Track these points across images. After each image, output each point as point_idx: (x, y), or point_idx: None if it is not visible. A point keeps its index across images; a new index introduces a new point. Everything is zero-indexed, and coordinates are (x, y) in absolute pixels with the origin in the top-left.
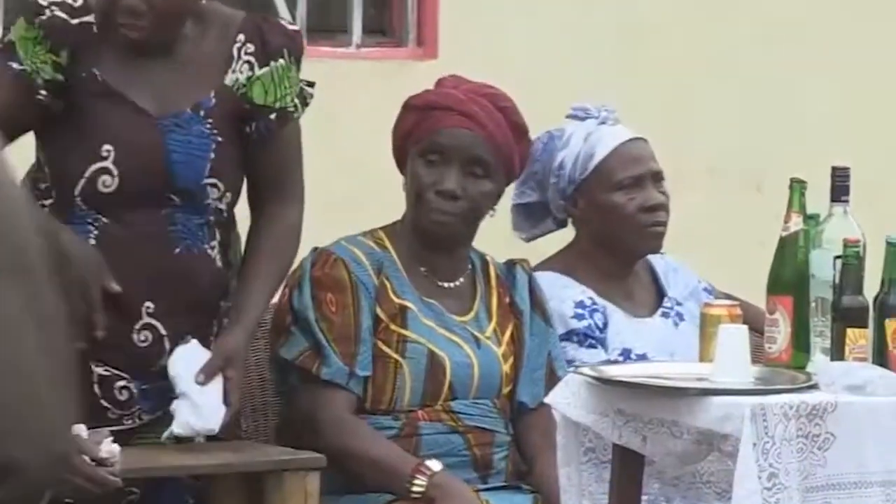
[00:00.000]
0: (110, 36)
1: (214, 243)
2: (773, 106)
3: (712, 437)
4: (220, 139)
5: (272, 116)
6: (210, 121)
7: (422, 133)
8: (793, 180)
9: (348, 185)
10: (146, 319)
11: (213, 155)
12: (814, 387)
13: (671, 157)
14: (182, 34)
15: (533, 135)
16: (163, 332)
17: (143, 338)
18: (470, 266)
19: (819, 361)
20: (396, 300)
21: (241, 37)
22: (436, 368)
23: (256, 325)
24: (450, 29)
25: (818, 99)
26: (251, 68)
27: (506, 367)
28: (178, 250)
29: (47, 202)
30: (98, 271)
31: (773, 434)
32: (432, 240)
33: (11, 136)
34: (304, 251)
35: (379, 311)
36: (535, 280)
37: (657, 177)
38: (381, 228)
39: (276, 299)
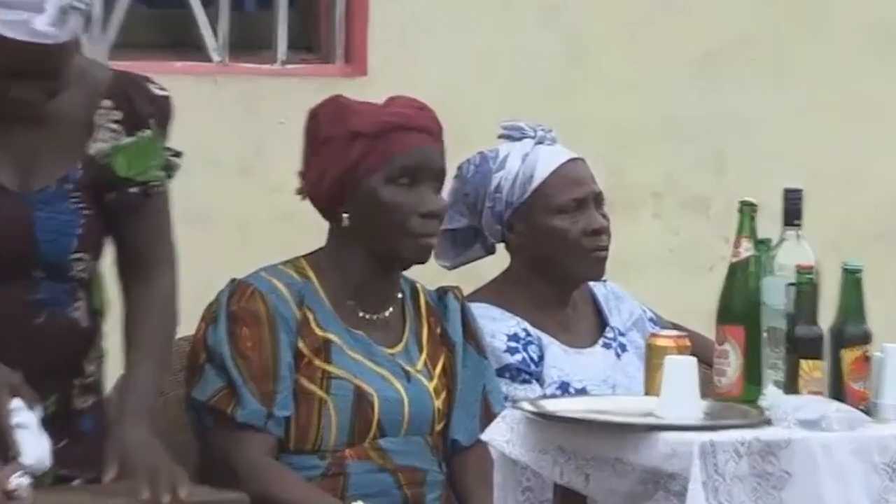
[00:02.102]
0: None
1: (79, 304)
2: (720, 126)
3: (659, 475)
4: (87, 212)
5: (133, 190)
6: (77, 194)
7: (379, 158)
8: (742, 203)
9: (274, 205)
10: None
11: (80, 230)
12: (766, 422)
13: (614, 180)
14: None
15: (464, 156)
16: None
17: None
18: (399, 295)
19: (772, 395)
20: (320, 333)
21: (108, 103)
22: (363, 405)
23: (153, 413)
24: (379, 45)
25: (769, 118)
26: (116, 137)
27: (438, 403)
28: (39, 319)
29: None
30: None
31: (724, 472)
32: (407, 265)
33: None
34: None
35: (301, 345)
36: (469, 309)
37: (599, 199)
38: (304, 257)
39: (189, 333)
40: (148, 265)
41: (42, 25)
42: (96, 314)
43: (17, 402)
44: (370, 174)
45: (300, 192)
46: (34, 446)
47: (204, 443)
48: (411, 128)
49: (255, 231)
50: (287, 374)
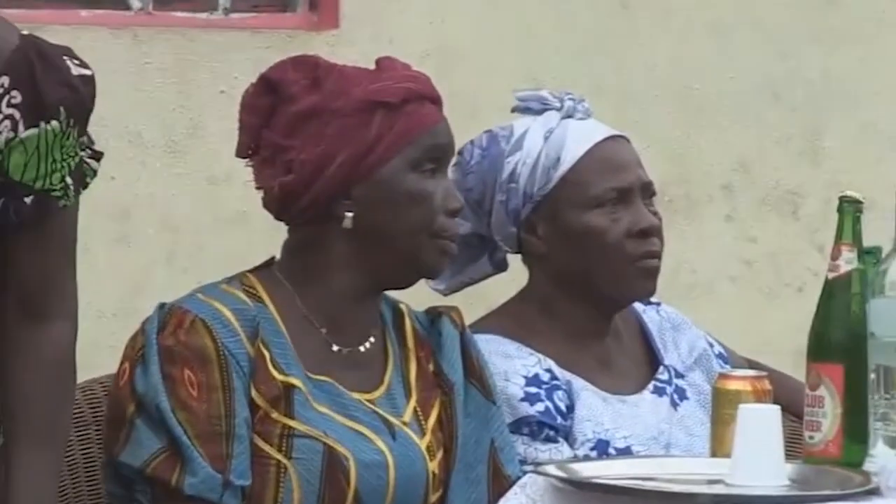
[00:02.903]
0: None
1: None
2: (815, 99)
3: None
4: None
5: (27, 199)
6: None
7: (403, 134)
8: (842, 199)
9: (215, 200)
10: None
11: None
12: (874, 492)
13: (672, 167)
14: None
15: (465, 137)
16: None
17: None
18: (379, 322)
19: (882, 455)
20: (279, 377)
21: (5, 80)
22: (335, 471)
23: None
24: None
25: (877, 90)
26: (14, 127)
27: (433, 466)
28: None
29: None
30: None
31: None
32: (416, 277)
33: None
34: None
35: (254, 393)
36: (470, 337)
37: (648, 190)
38: (252, 273)
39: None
40: (36, 311)
41: None
42: None
43: None
44: (390, 156)
45: (263, 188)
46: None
47: None
48: (430, 99)
49: (189, 238)
50: (245, 432)
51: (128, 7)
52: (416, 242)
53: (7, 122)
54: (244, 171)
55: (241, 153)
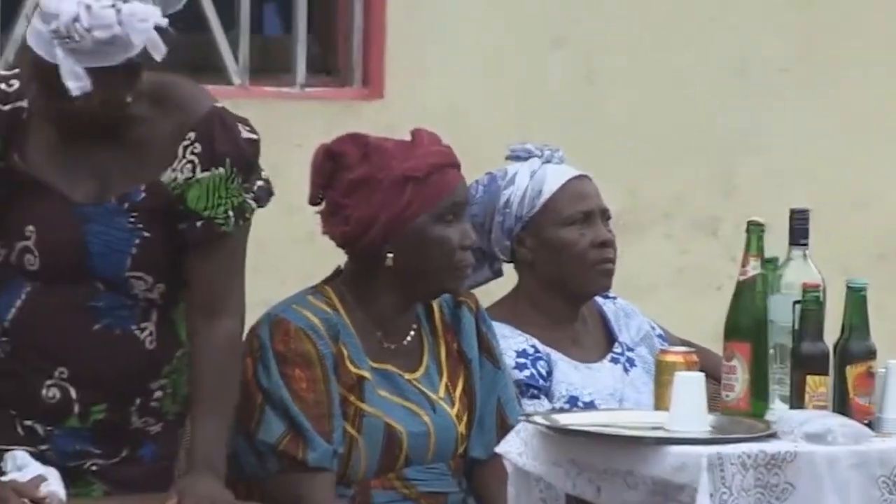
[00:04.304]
0: (45, 119)
1: (147, 325)
2: (729, 147)
3: (668, 487)
4: (145, 234)
5: (198, 224)
6: (135, 214)
7: (428, 199)
8: (750, 223)
9: (292, 227)
10: (57, 380)
11: (135, 250)
12: (773, 436)
13: (625, 200)
14: (134, 115)
15: (471, 176)
16: (72, 395)
17: (51, 394)
18: (416, 317)
19: (778, 410)
20: (353, 370)
21: (192, 135)
22: (392, 442)
23: (221, 472)
24: (396, 68)
25: (778, 139)
26: (193, 169)
27: (461, 428)
28: (97, 326)
29: None
30: None
31: (731, 484)
32: (437, 295)
33: None
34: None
35: (337, 383)
36: (484, 317)
37: (605, 214)
38: (327, 284)
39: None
40: (210, 310)
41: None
42: (174, 343)
43: (21, 454)
44: (418, 214)
45: (331, 234)
46: (55, 478)
47: (269, 488)
48: (448, 165)
49: (273, 252)
50: (338, 412)
51: (230, 83)
52: (441, 274)
53: (189, 165)
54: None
55: (312, 202)
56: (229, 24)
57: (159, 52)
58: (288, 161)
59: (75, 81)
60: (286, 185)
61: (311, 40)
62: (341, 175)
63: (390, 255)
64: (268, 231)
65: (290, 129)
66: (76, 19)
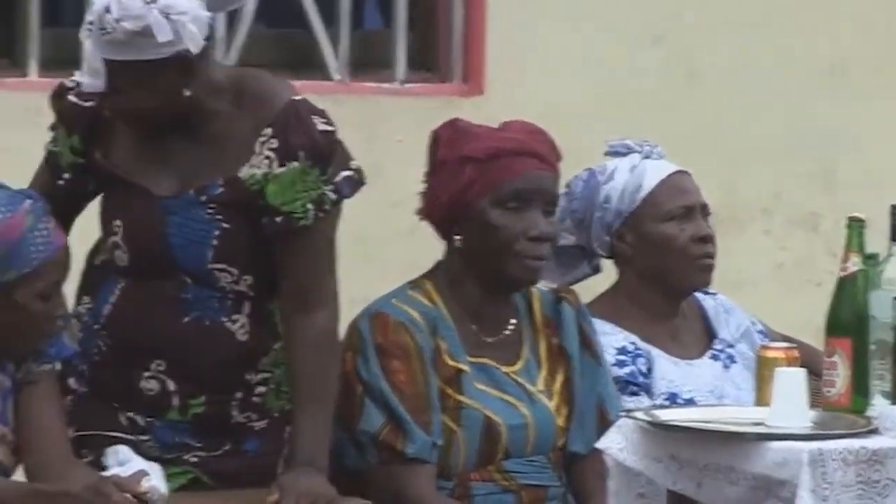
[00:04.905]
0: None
1: (239, 317)
2: (830, 143)
3: (769, 483)
4: (225, 225)
5: (278, 219)
6: (213, 206)
7: (490, 183)
8: (850, 219)
9: (393, 221)
10: (154, 373)
11: (215, 242)
12: (874, 431)
13: (724, 196)
14: (213, 110)
15: (571, 173)
16: (170, 388)
17: (150, 387)
18: (514, 310)
19: (879, 405)
20: (451, 363)
21: (269, 130)
22: (491, 434)
23: (324, 462)
24: (496, 64)
25: (879, 134)
26: (269, 164)
27: (560, 421)
28: (187, 318)
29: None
30: None
31: (832, 480)
32: (516, 288)
33: (70, 210)
34: (344, 302)
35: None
36: (584, 313)
37: (705, 209)
38: (427, 278)
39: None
40: (302, 303)
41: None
42: (264, 337)
43: (124, 449)
44: (480, 198)
45: (419, 212)
46: (157, 473)
47: (367, 480)
48: (521, 152)
49: (374, 247)
50: (437, 404)
51: (330, 78)
52: (501, 260)
53: (266, 161)
54: (415, 198)
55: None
56: (329, 19)
57: (197, 44)
58: (388, 156)
59: (90, 77)
60: (386, 180)
61: (412, 36)
62: (431, 157)
63: (458, 238)
64: (369, 226)
65: (390, 124)
66: (107, 10)
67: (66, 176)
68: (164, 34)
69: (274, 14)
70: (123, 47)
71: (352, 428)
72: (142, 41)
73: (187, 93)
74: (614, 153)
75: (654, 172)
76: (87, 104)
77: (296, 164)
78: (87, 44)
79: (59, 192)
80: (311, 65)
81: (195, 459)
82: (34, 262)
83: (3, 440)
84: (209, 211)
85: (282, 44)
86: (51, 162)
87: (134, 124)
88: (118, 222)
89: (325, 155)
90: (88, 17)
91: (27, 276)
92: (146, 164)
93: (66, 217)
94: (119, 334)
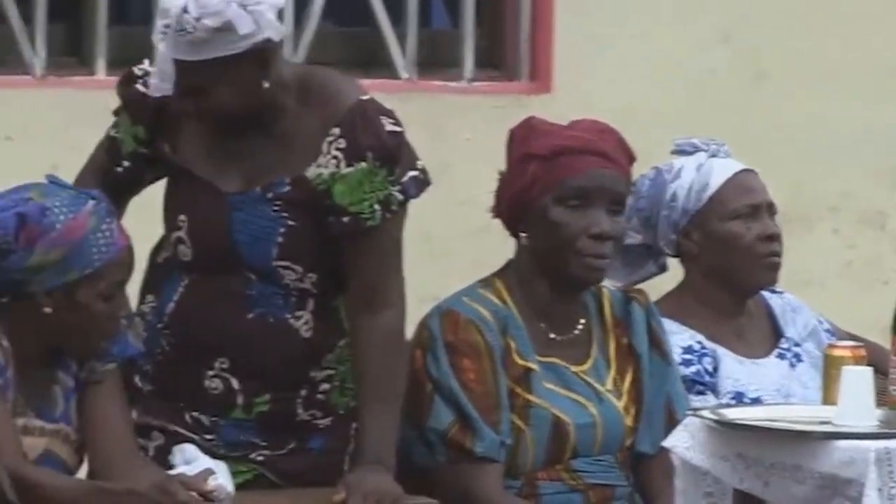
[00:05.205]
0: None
1: (302, 314)
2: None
3: (836, 482)
4: (291, 223)
5: (345, 219)
6: (279, 204)
7: (552, 180)
8: None
9: (461, 220)
10: (218, 371)
11: (281, 239)
12: None
13: (792, 194)
14: (281, 107)
15: (638, 171)
16: (235, 386)
17: (213, 385)
18: (584, 310)
19: None
20: (520, 362)
21: (336, 130)
22: (559, 433)
23: (391, 461)
24: (564, 62)
25: None
26: (337, 165)
27: (628, 421)
28: (251, 315)
29: (160, 258)
30: None
31: None
32: (579, 286)
33: (120, 198)
34: (412, 300)
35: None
36: (654, 313)
37: (771, 208)
38: (497, 276)
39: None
40: (368, 303)
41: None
42: (328, 333)
43: (190, 448)
44: (543, 195)
45: (491, 210)
46: (223, 472)
47: (435, 479)
48: (585, 151)
49: (442, 245)
50: (506, 403)
51: (397, 77)
52: (563, 258)
53: (333, 161)
54: (484, 197)
55: None
56: (397, 18)
57: (278, 32)
58: (456, 155)
59: (160, 81)
60: (454, 179)
61: (479, 34)
62: (507, 154)
63: (524, 235)
64: (437, 224)
65: (458, 123)
66: (185, 10)
67: (126, 164)
68: (245, 26)
69: (342, 12)
70: (204, 46)
71: (421, 426)
72: (222, 37)
73: (266, 84)
74: (681, 152)
75: (720, 171)
76: (156, 94)
77: (364, 164)
78: (161, 47)
79: (116, 177)
80: (378, 63)
81: (261, 458)
82: (96, 262)
83: (67, 439)
84: (275, 208)
85: (349, 42)
86: (111, 148)
87: (215, 124)
88: (183, 217)
89: (392, 156)
90: (163, 21)
91: (89, 276)
92: (213, 159)
93: (117, 203)
94: (182, 332)
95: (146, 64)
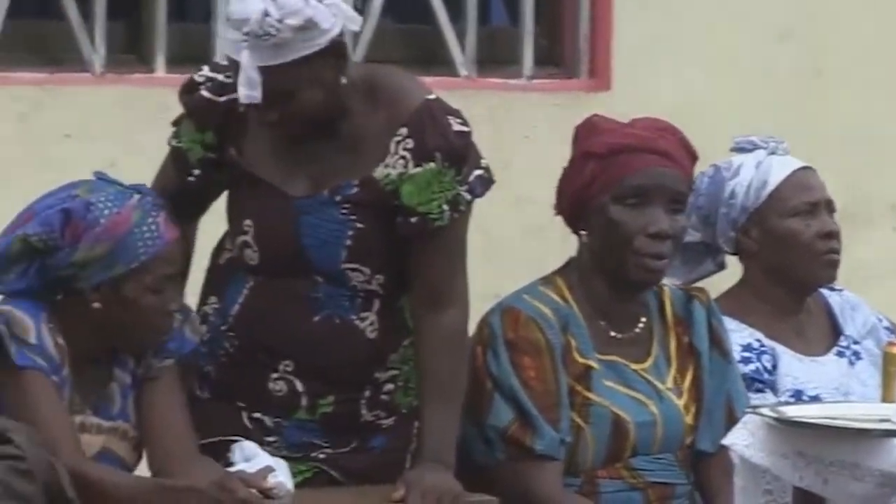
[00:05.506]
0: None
1: (368, 315)
2: None
3: (895, 480)
4: (359, 225)
5: (413, 219)
6: (347, 206)
7: (610, 179)
8: None
9: (521, 218)
10: (282, 374)
11: (349, 242)
12: None
13: (852, 192)
14: (348, 108)
15: (700, 170)
16: (299, 388)
17: (278, 387)
18: (645, 308)
19: None
20: (580, 360)
21: (404, 130)
22: (620, 431)
23: (451, 460)
24: (623, 60)
25: None
26: (405, 165)
27: (688, 419)
28: (317, 317)
29: (223, 259)
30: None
31: None
32: (637, 287)
33: (199, 206)
34: (471, 299)
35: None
36: (715, 312)
37: (830, 205)
38: (558, 274)
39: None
40: (433, 302)
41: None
42: (400, 332)
43: (250, 445)
44: (601, 194)
45: (554, 207)
46: (283, 469)
47: (493, 477)
48: (643, 149)
49: (502, 243)
50: (566, 402)
51: (456, 74)
52: (620, 257)
53: (401, 161)
54: (543, 195)
55: None
56: (456, 15)
57: (356, 21)
58: (515, 153)
59: (248, 89)
60: (514, 177)
61: (538, 31)
62: (572, 151)
63: (583, 233)
64: (497, 223)
65: (517, 120)
66: (266, 14)
67: (196, 172)
68: (326, 21)
69: (401, 10)
70: (287, 47)
71: (480, 423)
72: (305, 35)
73: (343, 80)
74: (740, 149)
75: (779, 168)
76: (221, 99)
77: (432, 164)
78: (245, 55)
79: (189, 188)
80: (437, 61)
81: (322, 456)
82: (142, 256)
83: (125, 436)
84: (343, 211)
85: (408, 40)
86: (178, 159)
87: (294, 130)
88: (248, 222)
89: (461, 155)
90: (242, 29)
91: (135, 270)
92: (280, 163)
93: (192, 215)
94: (247, 335)
95: (206, 70)
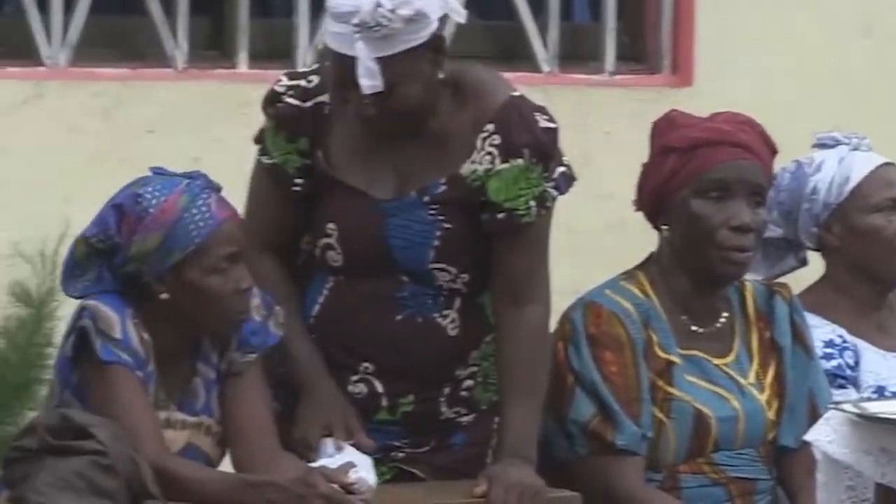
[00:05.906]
0: (345, 113)
1: (449, 312)
2: None
3: None
4: (447, 225)
5: (500, 215)
6: (435, 206)
7: (692, 172)
8: None
9: (603, 213)
10: (362, 375)
11: (437, 242)
12: None
13: None
14: (435, 106)
15: (782, 165)
16: (379, 389)
17: (358, 390)
18: (726, 303)
19: None
20: (662, 355)
21: (490, 126)
22: (702, 426)
23: (533, 456)
24: (705, 56)
25: None
26: (492, 161)
27: (770, 415)
28: (399, 317)
29: (299, 260)
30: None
31: None
32: (720, 282)
33: (294, 230)
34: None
35: (646, 367)
36: (798, 308)
37: None
38: (640, 269)
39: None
40: (516, 298)
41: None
42: (474, 330)
43: (333, 440)
44: (682, 188)
45: (634, 202)
46: (365, 465)
47: (574, 472)
48: (724, 142)
49: (583, 239)
50: (648, 396)
51: (539, 70)
52: (703, 252)
53: (488, 157)
54: (624, 190)
55: None
56: (538, 11)
57: (461, 16)
58: (597, 148)
59: (369, 79)
60: (596, 173)
61: (620, 27)
62: (650, 146)
63: (664, 228)
64: (578, 218)
65: (599, 116)
66: (378, 5)
67: (299, 181)
68: (435, 11)
69: (484, 6)
70: (396, 39)
71: (561, 418)
72: (413, 26)
73: (441, 75)
74: (822, 145)
75: (861, 164)
76: (307, 104)
77: (520, 161)
78: (360, 46)
79: (297, 199)
80: (519, 56)
81: (402, 455)
82: (196, 239)
83: (209, 431)
84: (431, 212)
85: (491, 35)
86: (276, 175)
87: (394, 124)
88: (332, 225)
89: (548, 152)
90: (353, 20)
91: (193, 254)
92: (365, 166)
93: (297, 233)
94: (327, 336)
95: (284, 79)
